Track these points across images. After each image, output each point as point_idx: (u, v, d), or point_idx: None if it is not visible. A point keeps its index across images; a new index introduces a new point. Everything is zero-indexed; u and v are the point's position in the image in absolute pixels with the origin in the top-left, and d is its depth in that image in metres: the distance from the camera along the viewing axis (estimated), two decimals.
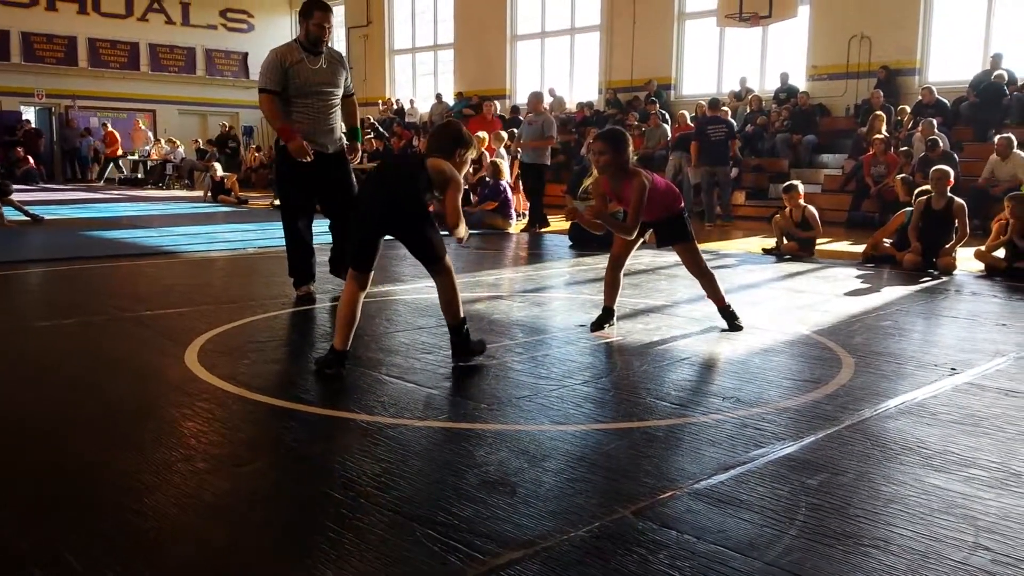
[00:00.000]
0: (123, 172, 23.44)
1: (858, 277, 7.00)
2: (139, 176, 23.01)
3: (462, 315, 3.95)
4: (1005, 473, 2.59)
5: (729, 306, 4.80)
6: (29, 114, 23.87)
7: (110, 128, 23.10)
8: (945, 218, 7.36)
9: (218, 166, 17.55)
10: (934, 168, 7.65)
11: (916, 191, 8.12)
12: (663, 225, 4.77)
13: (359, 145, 6.02)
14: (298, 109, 5.55)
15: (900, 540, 2.13)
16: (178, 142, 22.88)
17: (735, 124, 13.17)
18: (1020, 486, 2.49)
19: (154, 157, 22.94)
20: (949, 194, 7.43)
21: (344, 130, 5.85)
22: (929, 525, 2.22)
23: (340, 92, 5.75)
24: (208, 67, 26.34)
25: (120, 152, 23.29)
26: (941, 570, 1.97)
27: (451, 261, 3.88)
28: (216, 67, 26.52)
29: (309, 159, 5.45)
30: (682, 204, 4.83)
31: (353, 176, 5.86)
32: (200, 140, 23.54)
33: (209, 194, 16.68)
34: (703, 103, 13.59)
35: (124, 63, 24.86)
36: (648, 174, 4.52)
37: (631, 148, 4.53)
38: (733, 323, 4.76)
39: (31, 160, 21.53)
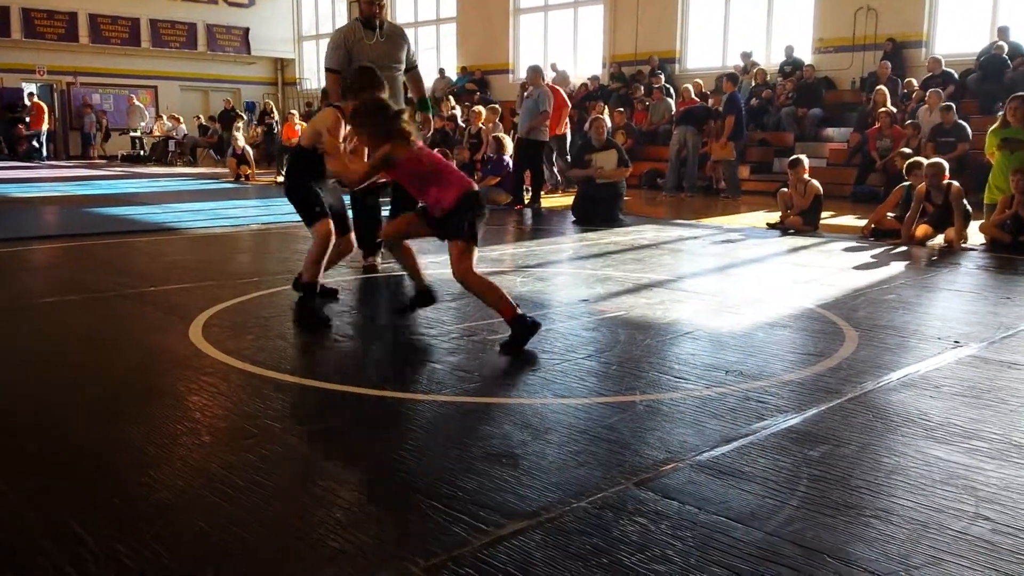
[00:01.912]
0: (41, 149, 22.05)
1: (862, 251, 6.99)
2: (141, 153, 22.93)
3: (306, 279, 4.35)
4: (1006, 444, 2.60)
5: (523, 316, 3.76)
6: (31, 91, 23.76)
7: (36, 100, 22.19)
8: (947, 207, 7.31)
9: (239, 136, 17.19)
10: (929, 163, 7.57)
11: (906, 163, 8.07)
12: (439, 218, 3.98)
13: (429, 116, 6.18)
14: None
15: (901, 511, 2.14)
16: (180, 119, 22.79)
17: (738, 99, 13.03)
18: (1021, 457, 2.50)
19: (156, 134, 22.86)
20: (946, 182, 7.37)
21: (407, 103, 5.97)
22: (930, 496, 2.23)
23: (401, 67, 5.90)
24: (209, 43, 26.16)
25: (45, 127, 22.36)
26: (941, 539, 1.99)
27: (325, 227, 4.31)
28: (217, 43, 26.35)
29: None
30: (462, 196, 3.92)
31: None
32: (201, 116, 23.41)
33: (235, 167, 16.01)
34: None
35: (125, 39, 24.70)
36: (419, 151, 3.89)
37: (391, 119, 3.80)
38: (520, 335, 3.71)
39: (36, 138, 21.39)
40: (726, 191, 12.35)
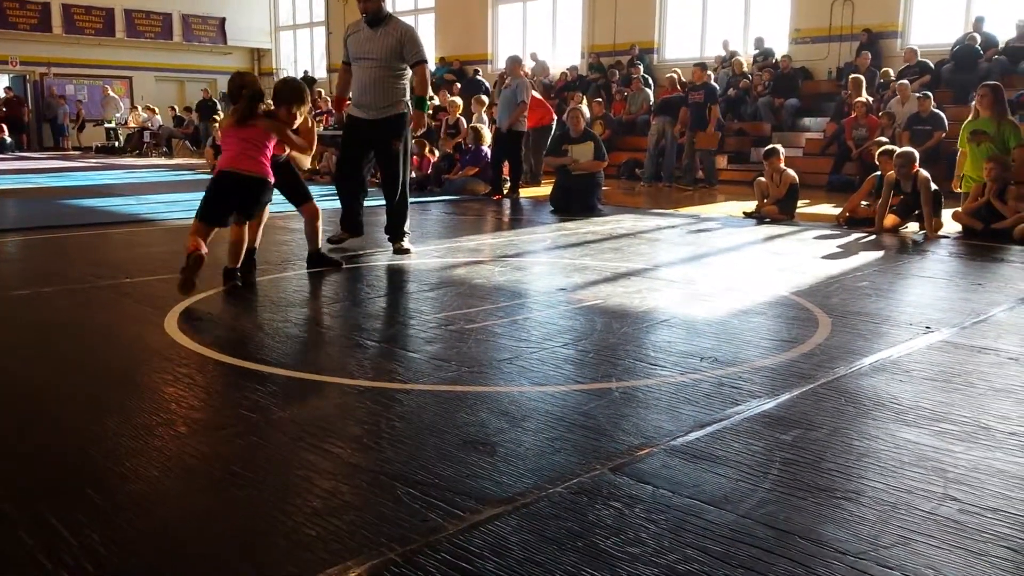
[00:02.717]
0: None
1: (836, 239, 7.05)
2: (115, 144, 22.68)
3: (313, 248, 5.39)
4: (975, 427, 2.65)
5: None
6: (3, 82, 23.46)
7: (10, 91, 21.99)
8: (916, 196, 7.39)
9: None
10: (898, 153, 7.64)
11: (877, 152, 8.15)
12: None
13: (422, 114, 6.34)
14: (353, 76, 6.17)
15: (871, 492, 2.18)
16: (156, 109, 22.56)
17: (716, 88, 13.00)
18: (989, 439, 2.55)
19: (131, 125, 22.62)
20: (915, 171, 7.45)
21: (404, 100, 6.16)
22: (900, 477, 2.27)
23: (392, 64, 6.04)
24: (185, 33, 25.92)
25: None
26: (911, 520, 2.02)
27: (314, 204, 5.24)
28: (193, 33, 26.11)
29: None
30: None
31: (397, 144, 6.14)
32: (176, 107, 23.16)
33: (212, 157, 15.98)
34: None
35: (99, 29, 24.42)
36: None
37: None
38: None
39: (5, 129, 21.13)
40: (704, 179, 12.39)
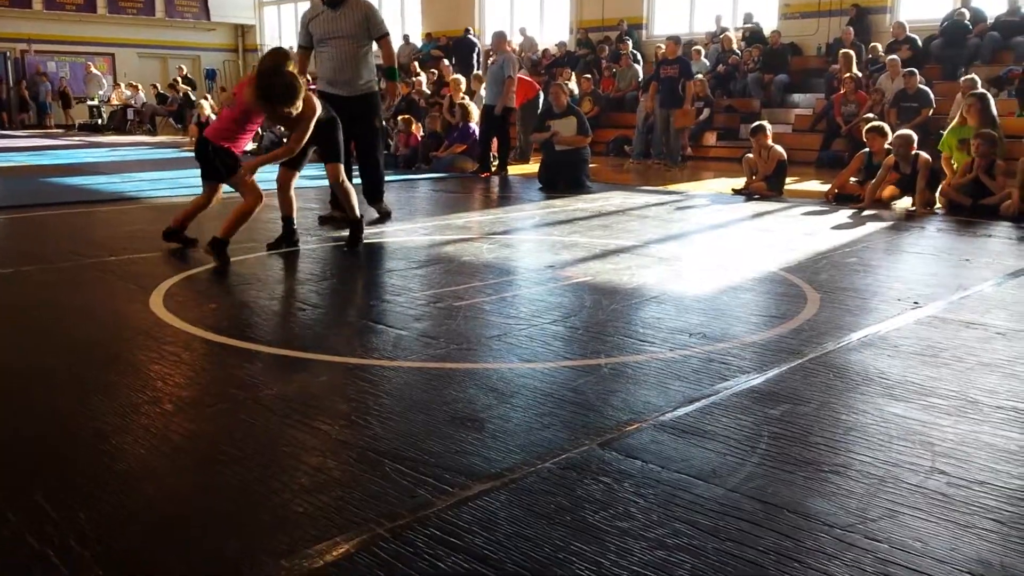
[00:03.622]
0: None
1: (825, 215, 7.06)
2: (98, 122, 22.43)
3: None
4: (962, 401, 2.66)
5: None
6: None
7: None
8: (915, 176, 7.39)
9: (206, 104, 16.94)
10: (897, 135, 7.63)
11: (865, 128, 8.14)
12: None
13: (395, 84, 6.73)
14: (320, 58, 6.37)
15: (859, 466, 2.18)
16: (139, 87, 22.30)
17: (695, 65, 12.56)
18: (976, 413, 2.56)
19: (114, 102, 22.37)
20: (914, 152, 7.44)
21: (374, 74, 6.50)
22: (888, 451, 2.27)
23: (361, 40, 6.31)
24: (168, 9, 25.56)
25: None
26: (898, 493, 2.03)
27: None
28: (176, 9, 25.76)
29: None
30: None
31: (375, 118, 6.50)
32: (158, 85, 22.87)
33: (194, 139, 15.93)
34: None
35: (81, 5, 24.04)
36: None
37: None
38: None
39: None
40: (671, 158, 11.75)
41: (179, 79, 21.45)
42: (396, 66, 6.68)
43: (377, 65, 6.67)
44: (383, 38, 6.47)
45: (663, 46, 13.27)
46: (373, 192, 6.68)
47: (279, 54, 4.73)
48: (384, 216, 6.61)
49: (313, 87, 6.35)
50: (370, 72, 6.43)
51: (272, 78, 4.54)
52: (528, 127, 11.69)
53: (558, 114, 9.20)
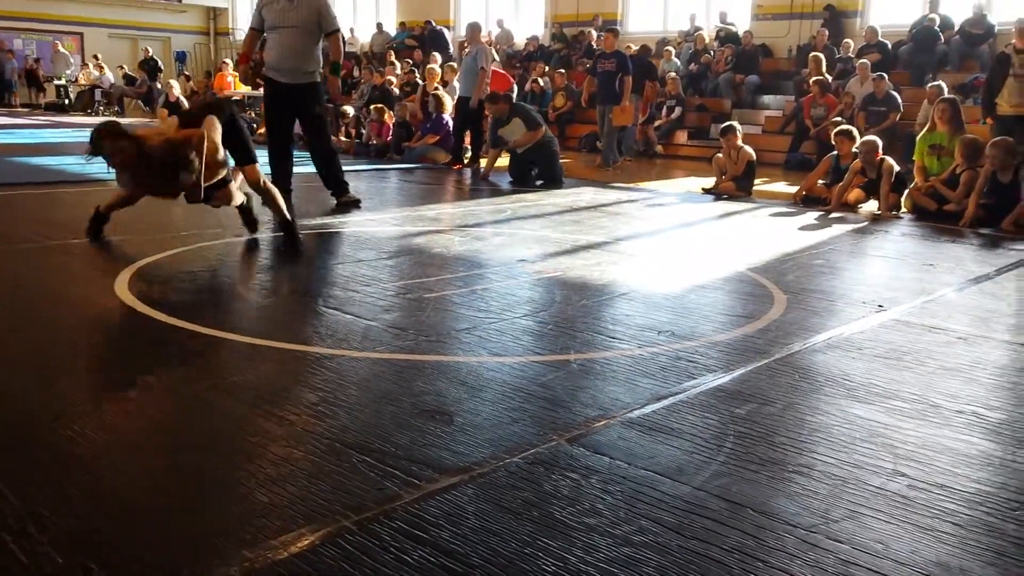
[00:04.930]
0: None
1: (792, 217, 7.13)
2: (65, 103, 22.02)
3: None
4: (924, 405, 2.70)
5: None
6: None
7: None
8: (879, 181, 7.48)
9: (175, 84, 16.73)
10: (862, 141, 7.72)
11: (834, 132, 8.24)
12: None
13: (336, 79, 7.02)
14: (269, 44, 6.59)
15: (822, 466, 2.21)
16: (105, 68, 21.92)
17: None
18: (938, 417, 2.60)
19: (82, 82, 21.97)
20: (879, 158, 7.52)
21: (319, 65, 6.74)
22: (851, 453, 2.30)
23: (311, 32, 6.53)
24: None
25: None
26: (860, 495, 2.06)
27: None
28: None
29: (248, 86, 7.20)
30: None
31: (315, 107, 6.72)
32: (125, 66, 22.48)
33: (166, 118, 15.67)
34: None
35: None
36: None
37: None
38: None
39: None
40: (604, 158, 11.15)
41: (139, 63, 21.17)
42: (340, 62, 7.00)
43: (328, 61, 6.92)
44: (333, 34, 6.70)
45: (632, 46, 13.14)
46: (334, 185, 6.83)
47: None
48: (350, 205, 6.68)
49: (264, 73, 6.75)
50: (315, 63, 6.65)
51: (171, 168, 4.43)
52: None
53: (504, 122, 9.16)
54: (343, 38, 7.17)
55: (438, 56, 14.16)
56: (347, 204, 6.71)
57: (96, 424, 2.34)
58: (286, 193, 6.76)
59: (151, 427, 2.34)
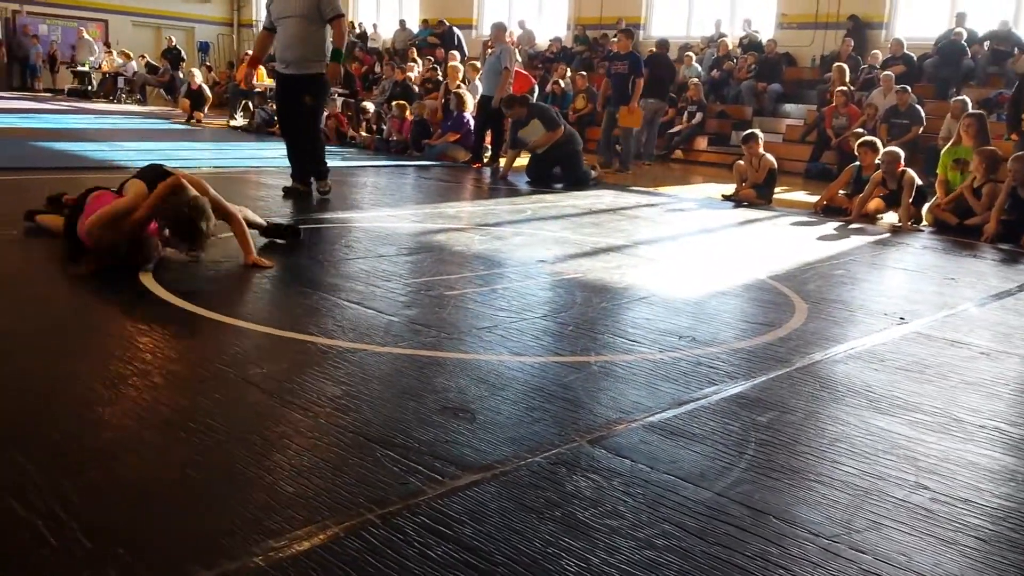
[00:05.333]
0: None
1: (813, 226, 7.11)
2: (87, 89, 22.15)
3: None
4: (946, 418, 2.69)
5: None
6: None
7: None
8: (900, 192, 7.45)
9: (197, 72, 16.82)
10: (884, 151, 7.70)
11: (857, 143, 8.22)
12: None
13: (338, 66, 6.76)
14: (277, 35, 6.59)
15: (844, 476, 2.21)
16: (131, 55, 22.04)
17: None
18: (960, 431, 2.59)
19: (105, 70, 22.10)
20: (900, 169, 7.49)
21: (323, 56, 6.60)
22: (873, 464, 2.30)
23: (311, 20, 6.45)
24: None
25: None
26: (883, 506, 2.05)
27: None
28: None
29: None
30: None
31: (309, 97, 6.59)
32: (147, 55, 22.58)
33: (188, 108, 15.69)
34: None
35: None
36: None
37: None
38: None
39: None
40: (620, 163, 11.02)
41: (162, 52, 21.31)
42: (344, 49, 6.85)
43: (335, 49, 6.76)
44: (336, 19, 6.55)
45: (653, 49, 13.00)
46: (300, 176, 6.84)
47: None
48: (290, 192, 6.69)
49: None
50: (317, 53, 6.51)
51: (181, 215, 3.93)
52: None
53: (523, 123, 9.18)
54: (346, 26, 6.99)
55: (456, 55, 14.19)
56: (291, 189, 6.76)
57: (120, 410, 2.36)
58: (306, 184, 6.89)
59: (176, 414, 2.35)
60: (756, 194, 8.36)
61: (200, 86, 16.03)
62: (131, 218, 3.94)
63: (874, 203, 7.58)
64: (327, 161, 7.01)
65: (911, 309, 4.20)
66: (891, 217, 7.54)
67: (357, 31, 21.52)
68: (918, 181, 7.47)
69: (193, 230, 3.91)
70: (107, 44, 23.22)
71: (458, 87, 11.55)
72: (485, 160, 10.71)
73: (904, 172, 7.45)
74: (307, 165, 6.89)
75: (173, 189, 3.97)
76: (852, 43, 13.51)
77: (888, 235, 6.89)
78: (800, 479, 2.18)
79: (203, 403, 2.44)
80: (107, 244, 3.89)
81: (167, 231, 4.01)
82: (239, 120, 15.10)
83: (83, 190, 4.32)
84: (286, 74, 6.58)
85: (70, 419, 2.28)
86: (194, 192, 4.01)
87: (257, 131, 13.78)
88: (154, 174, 4.19)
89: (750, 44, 14.93)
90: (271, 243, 4.81)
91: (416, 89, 13.92)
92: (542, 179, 9.00)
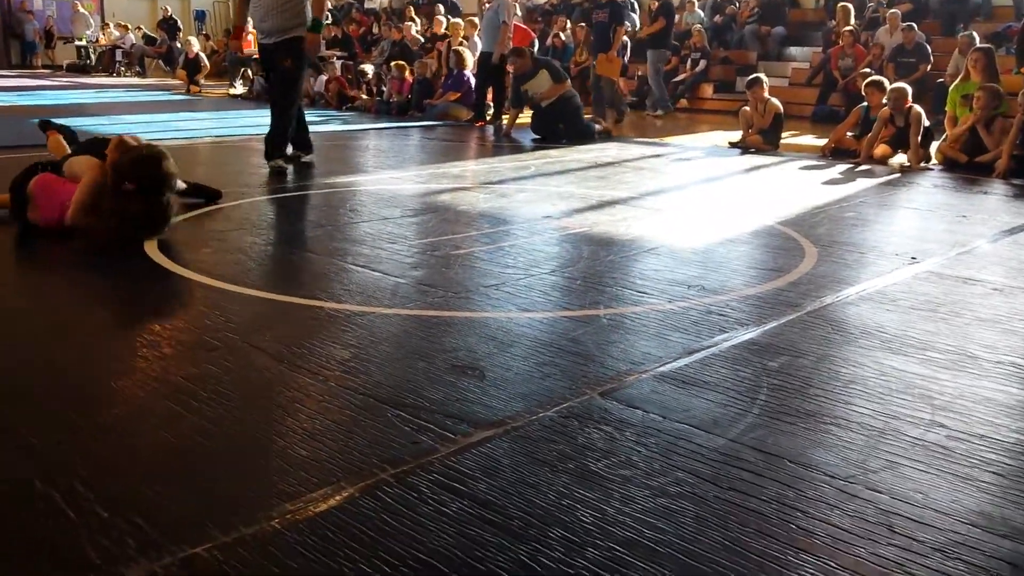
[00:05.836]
0: None
1: (821, 169, 7.02)
2: (86, 63, 22.00)
3: None
4: (960, 356, 2.67)
5: None
6: None
7: None
8: (908, 129, 7.33)
9: (195, 41, 16.71)
10: (891, 88, 7.56)
11: (864, 83, 8.08)
12: None
13: (316, 36, 6.59)
14: (253, 5, 6.37)
15: (859, 418, 2.19)
16: (128, 27, 21.82)
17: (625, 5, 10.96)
18: (974, 367, 2.57)
19: (102, 43, 21.91)
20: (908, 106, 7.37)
21: (301, 23, 6.36)
22: (887, 404, 2.28)
23: None
24: None
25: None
26: (899, 445, 2.04)
27: None
28: None
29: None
30: None
31: (290, 67, 6.33)
32: (143, 27, 22.35)
33: (186, 78, 15.64)
34: None
35: None
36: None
37: None
38: None
39: None
40: (618, 114, 10.56)
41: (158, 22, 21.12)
42: (323, 20, 6.67)
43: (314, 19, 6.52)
44: None
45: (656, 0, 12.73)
46: (268, 145, 6.41)
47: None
48: (274, 171, 6.25)
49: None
50: (296, 20, 6.25)
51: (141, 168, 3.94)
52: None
53: (529, 75, 9.04)
54: None
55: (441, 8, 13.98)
56: (274, 168, 6.33)
57: (131, 382, 2.36)
58: (305, 151, 6.73)
59: (186, 383, 2.35)
60: (763, 140, 8.26)
61: (197, 54, 15.91)
62: (104, 190, 3.92)
63: (880, 149, 7.46)
64: (288, 141, 6.54)
65: (922, 248, 4.16)
66: (900, 158, 7.44)
67: None
68: (926, 121, 7.35)
69: (158, 171, 3.90)
70: (103, 17, 23.02)
71: (459, 44, 11.39)
72: (488, 118, 10.60)
73: (911, 108, 7.33)
74: (304, 134, 6.77)
75: (122, 145, 3.98)
76: None
77: (898, 175, 6.80)
78: (814, 422, 2.17)
79: (213, 371, 2.44)
80: (101, 227, 3.86)
81: (132, 184, 3.90)
82: (238, 88, 14.99)
83: (15, 175, 4.18)
84: (266, 44, 6.45)
85: (81, 395, 2.29)
86: (143, 141, 4.03)
87: (257, 99, 13.68)
88: (97, 145, 4.20)
89: None
90: (276, 209, 4.78)
91: (414, 49, 13.76)
92: (549, 134, 8.91)
